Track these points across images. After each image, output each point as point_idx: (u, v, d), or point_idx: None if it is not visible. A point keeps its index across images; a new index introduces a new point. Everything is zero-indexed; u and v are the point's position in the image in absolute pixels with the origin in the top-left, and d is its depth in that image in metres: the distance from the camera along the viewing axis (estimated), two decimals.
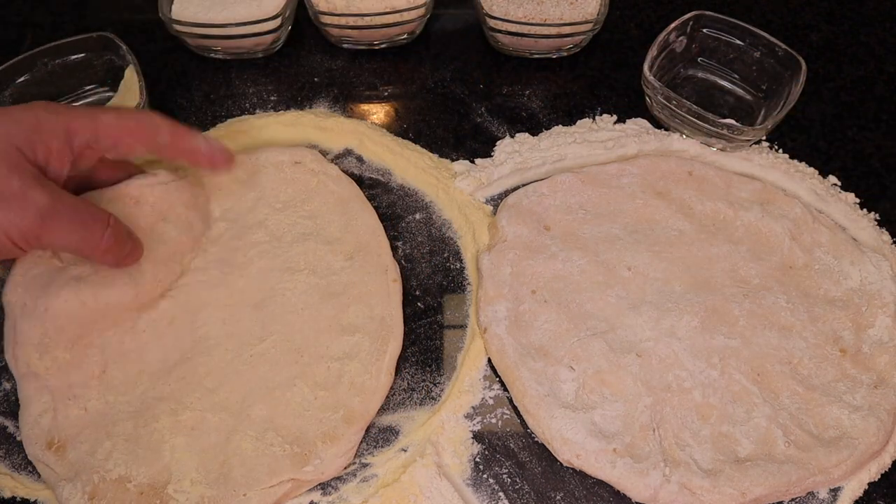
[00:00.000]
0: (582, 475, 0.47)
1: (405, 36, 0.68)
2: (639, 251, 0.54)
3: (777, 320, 0.51)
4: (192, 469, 0.45)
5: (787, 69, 0.61)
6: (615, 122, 0.64)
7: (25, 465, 0.47)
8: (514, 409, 0.50)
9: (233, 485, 0.44)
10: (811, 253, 0.55)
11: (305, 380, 0.48)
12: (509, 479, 0.47)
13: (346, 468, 0.47)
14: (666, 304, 0.52)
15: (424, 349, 0.52)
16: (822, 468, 0.46)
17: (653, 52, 0.61)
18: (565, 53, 0.68)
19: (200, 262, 0.52)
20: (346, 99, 0.65)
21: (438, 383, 0.51)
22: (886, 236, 0.58)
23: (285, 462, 0.45)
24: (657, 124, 0.63)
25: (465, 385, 0.51)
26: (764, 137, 0.63)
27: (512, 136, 0.63)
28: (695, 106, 0.58)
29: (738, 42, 0.64)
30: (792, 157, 0.62)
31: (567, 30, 0.64)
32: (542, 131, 0.63)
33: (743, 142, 0.60)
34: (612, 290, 0.52)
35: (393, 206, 0.59)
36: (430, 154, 0.62)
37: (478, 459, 0.48)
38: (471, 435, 0.49)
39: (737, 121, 0.58)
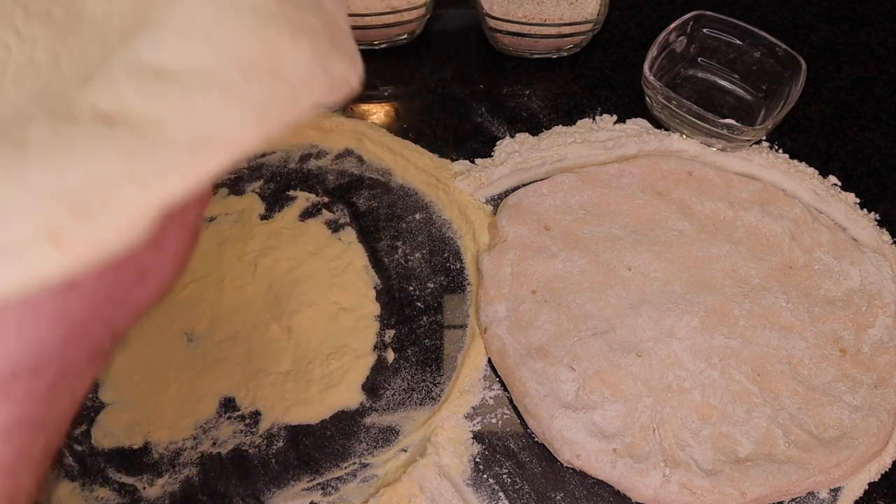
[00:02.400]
0: (582, 475, 0.47)
1: (405, 36, 0.68)
2: (639, 251, 0.54)
3: (777, 320, 0.51)
4: None
5: (787, 69, 0.61)
6: (615, 122, 0.64)
7: None
8: (514, 409, 0.50)
9: None
10: (811, 253, 0.55)
11: None
12: (509, 479, 0.47)
13: (346, 469, 0.47)
14: (666, 304, 0.52)
15: (424, 349, 0.52)
16: (822, 468, 0.45)
17: (653, 52, 0.61)
18: (565, 53, 0.68)
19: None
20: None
21: (438, 383, 0.51)
22: (886, 236, 0.58)
23: None
24: (657, 124, 0.63)
25: (465, 385, 0.50)
26: (764, 137, 0.62)
27: (512, 136, 0.62)
28: (695, 106, 0.58)
29: (738, 42, 0.64)
30: (792, 157, 0.62)
31: (567, 30, 0.64)
32: (542, 131, 0.63)
33: (743, 142, 0.60)
34: (612, 290, 0.52)
35: (393, 206, 0.59)
36: (430, 154, 0.61)
37: (478, 459, 0.48)
38: (471, 435, 0.49)
39: (737, 121, 0.58)
